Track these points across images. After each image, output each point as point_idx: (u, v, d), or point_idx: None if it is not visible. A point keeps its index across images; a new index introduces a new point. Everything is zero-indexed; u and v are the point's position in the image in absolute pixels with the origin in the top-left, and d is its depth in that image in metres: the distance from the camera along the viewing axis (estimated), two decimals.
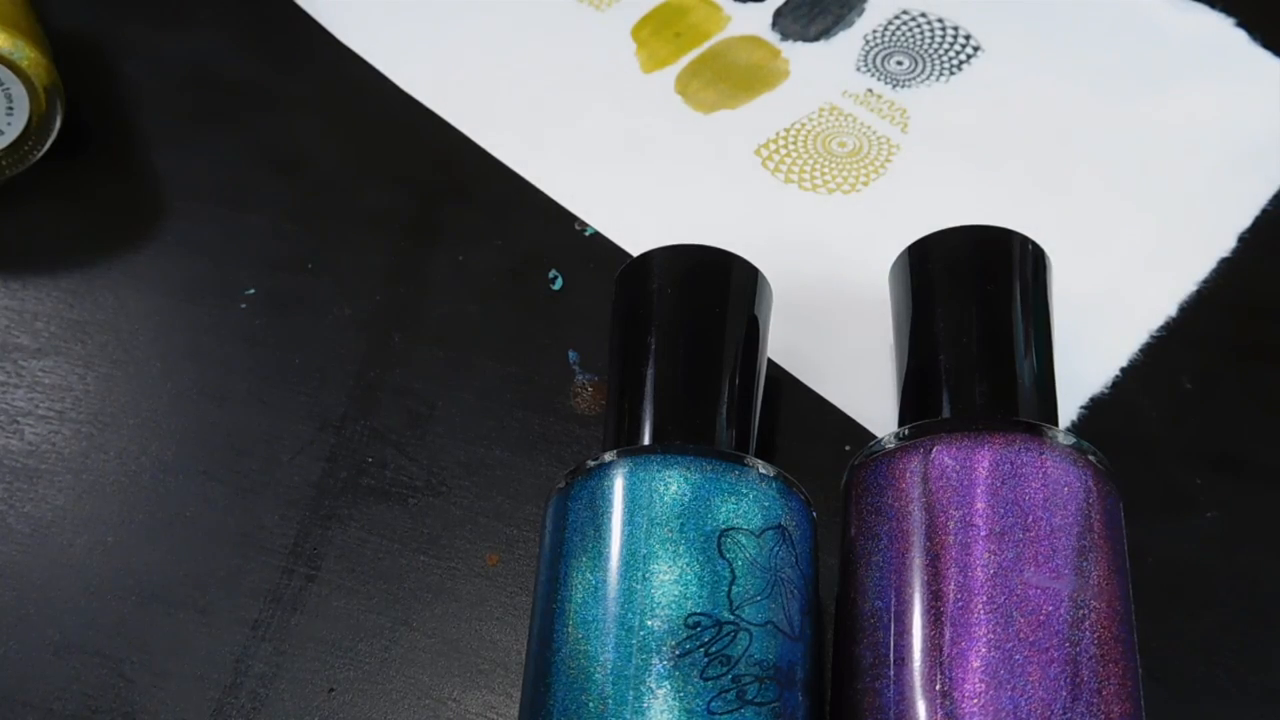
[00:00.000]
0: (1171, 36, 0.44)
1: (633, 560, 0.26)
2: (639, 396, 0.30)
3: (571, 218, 0.40)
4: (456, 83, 0.44)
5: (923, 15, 0.45)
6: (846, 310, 0.36)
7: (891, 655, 0.25)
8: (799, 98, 0.43)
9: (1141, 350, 0.36)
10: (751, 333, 0.31)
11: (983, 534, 0.26)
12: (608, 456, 0.28)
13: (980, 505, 0.26)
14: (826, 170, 0.41)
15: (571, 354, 0.37)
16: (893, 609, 0.26)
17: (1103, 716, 0.24)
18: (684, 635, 0.25)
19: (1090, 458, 0.27)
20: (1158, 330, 0.37)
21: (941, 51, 0.44)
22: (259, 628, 0.32)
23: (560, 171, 0.41)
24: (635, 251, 0.39)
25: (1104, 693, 0.24)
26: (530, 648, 0.27)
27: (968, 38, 0.44)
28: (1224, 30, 0.44)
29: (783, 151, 0.41)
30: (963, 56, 0.44)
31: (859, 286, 0.37)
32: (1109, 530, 0.27)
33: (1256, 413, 0.35)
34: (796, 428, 0.35)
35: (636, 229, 0.40)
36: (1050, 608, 0.25)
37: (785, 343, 0.36)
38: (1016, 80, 0.43)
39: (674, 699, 0.24)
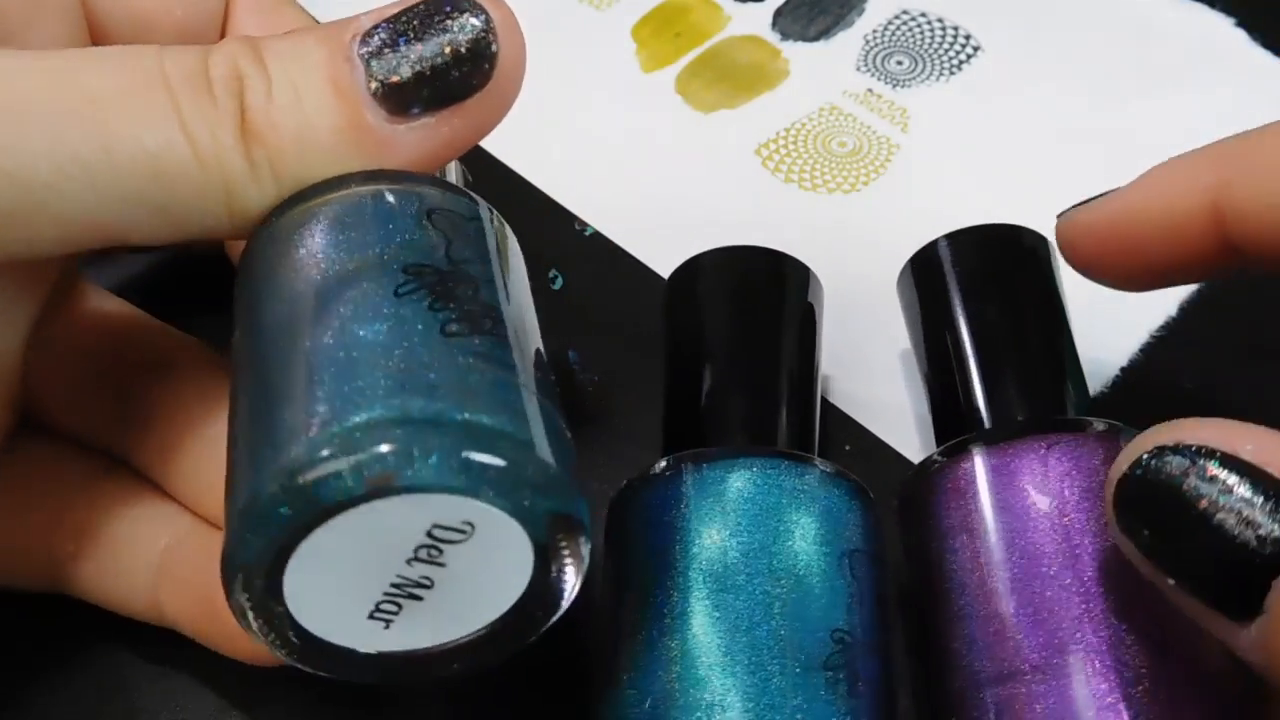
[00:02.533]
0: (1171, 36, 0.44)
1: (791, 571, 0.26)
2: (742, 396, 0.30)
3: (571, 218, 0.40)
4: None
5: (923, 15, 0.45)
6: (846, 310, 0.36)
7: (993, 673, 0.25)
8: (799, 98, 0.43)
9: (1141, 350, 0.36)
10: (811, 331, 0.31)
11: (1099, 531, 0.26)
12: (737, 480, 0.27)
13: (1056, 509, 0.26)
14: (826, 170, 0.41)
15: (571, 354, 0.37)
16: (982, 630, 0.26)
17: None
18: (830, 650, 0.25)
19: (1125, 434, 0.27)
20: (1158, 330, 0.37)
21: (941, 51, 0.44)
22: None
23: (560, 171, 0.41)
24: (635, 251, 0.39)
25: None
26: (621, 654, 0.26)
27: (968, 38, 0.44)
28: (1224, 30, 0.44)
29: (783, 151, 0.41)
30: (963, 56, 0.44)
31: (859, 286, 0.36)
32: None
33: (1257, 413, 0.35)
34: None
35: (636, 229, 0.40)
36: (1134, 602, 0.25)
37: None
38: (1016, 80, 0.43)
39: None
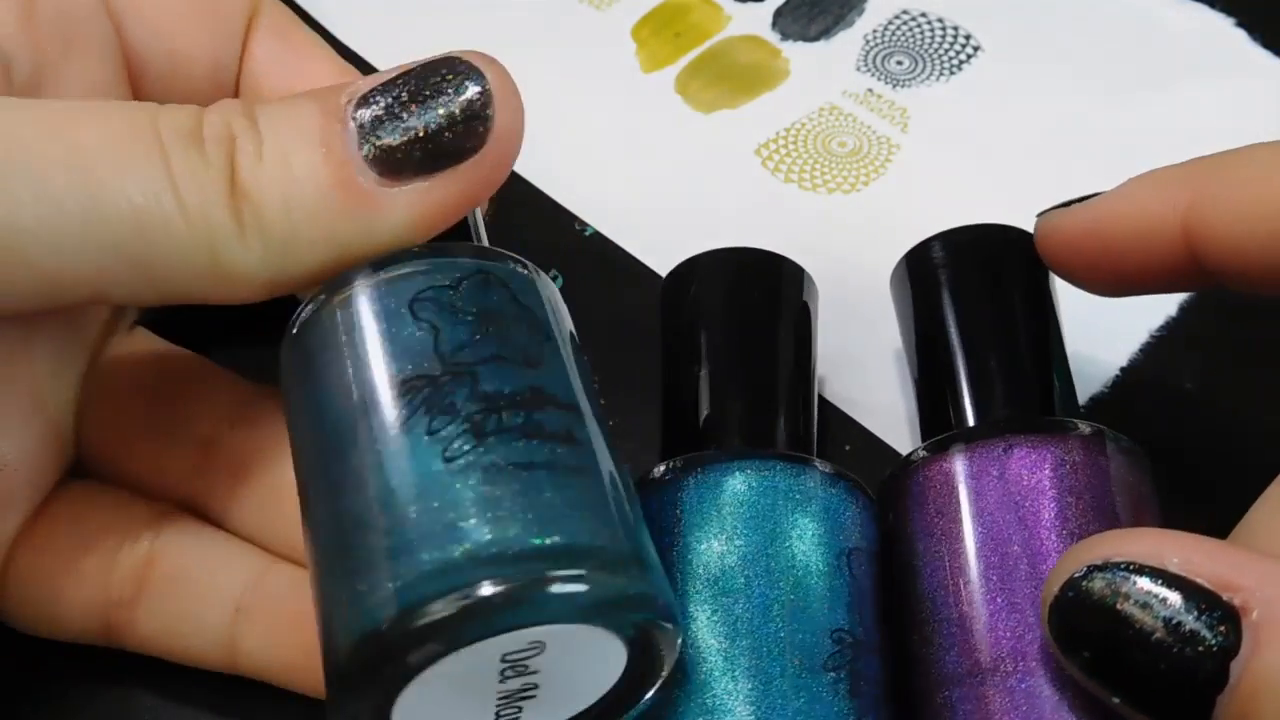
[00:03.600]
0: (1171, 36, 0.44)
1: (780, 574, 0.26)
2: (741, 399, 0.29)
3: (572, 218, 0.40)
4: None
5: (923, 15, 0.45)
6: (846, 310, 0.36)
7: (964, 672, 0.25)
8: (799, 97, 0.43)
9: (1141, 350, 0.36)
10: (806, 333, 0.31)
11: (1071, 533, 0.26)
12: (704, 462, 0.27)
13: (1033, 509, 0.26)
14: (826, 170, 0.41)
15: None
16: (957, 627, 0.26)
17: None
18: (830, 650, 0.25)
19: (1111, 439, 0.27)
20: (1158, 330, 0.37)
21: (941, 51, 0.44)
22: None
23: (560, 171, 0.41)
24: (635, 252, 0.39)
25: None
26: None
27: (968, 38, 0.44)
28: (1224, 30, 0.44)
29: (783, 151, 0.41)
30: (963, 56, 0.44)
31: (859, 286, 0.36)
32: (1153, 507, 0.27)
33: (1257, 414, 0.35)
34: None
35: (636, 229, 0.40)
36: None
37: None
38: (1016, 80, 0.43)
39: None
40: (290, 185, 0.24)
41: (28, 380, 0.28)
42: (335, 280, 0.24)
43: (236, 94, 0.31)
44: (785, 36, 0.45)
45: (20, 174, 0.23)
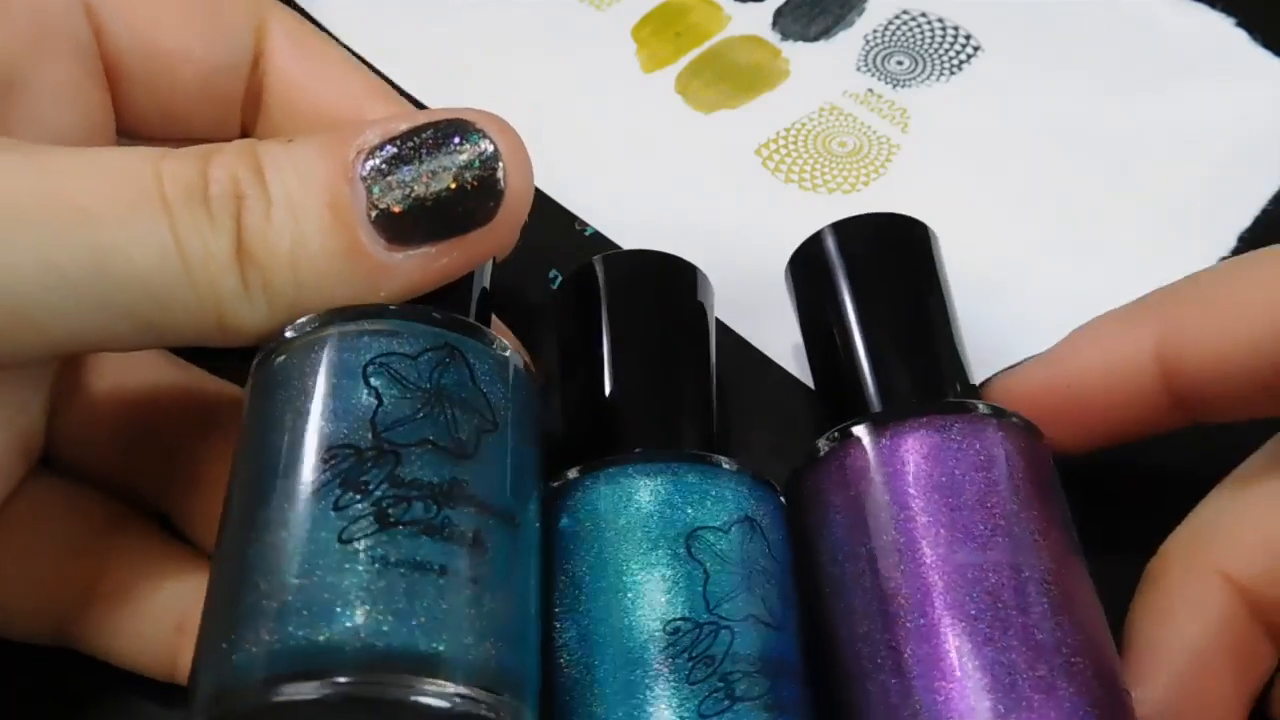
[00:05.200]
0: (1171, 36, 0.44)
1: (606, 574, 0.26)
2: (596, 405, 0.29)
3: (572, 218, 0.40)
4: (456, 82, 0.44)
5: (923, 15, 0.45)
6: None
7: (880, 657, 0.25)
8: (799, 98, 0.43)
9: None
10: (701, 330, 0.31)
11: (920, 522, 0.26)
12: (571, 473, 0.27)
13: (911, 494, 0.26)
14: (826, 170, 0.41)
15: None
16: (858, 611, 0.26)
17: (1069, 668, 0.24)
18: (665, 642, 0.25)
19: (1012, 420, 0.27)
20: None
21: (941, 51, 0.44)
22: None
23: (560, 171, 0.41)
24: None
25: (1066, 647, 0.24)
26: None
27: (968, 38, 0.44)
28: (1224, 30, 0.44)
29: (783, 151, 0.41)
30: (963, 56, 0.44)
31: None
32: (1038, 489, 0.26)
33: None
34: (796, 426, 0.35)
35: (636, 229, 0.40)
36: (995, 580, 0.25)
37: (785, 341, 0.36)
38: (1016, 80, 0.43)
39: (666, 707, 0.24)
40: (298, 250, 0.23)
41: None
42: (311, 320, 0.24)
43: (249, 101, 0.31)
44: (785, 36, 0.45)
45: (23, 236, 0.22)
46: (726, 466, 0.27)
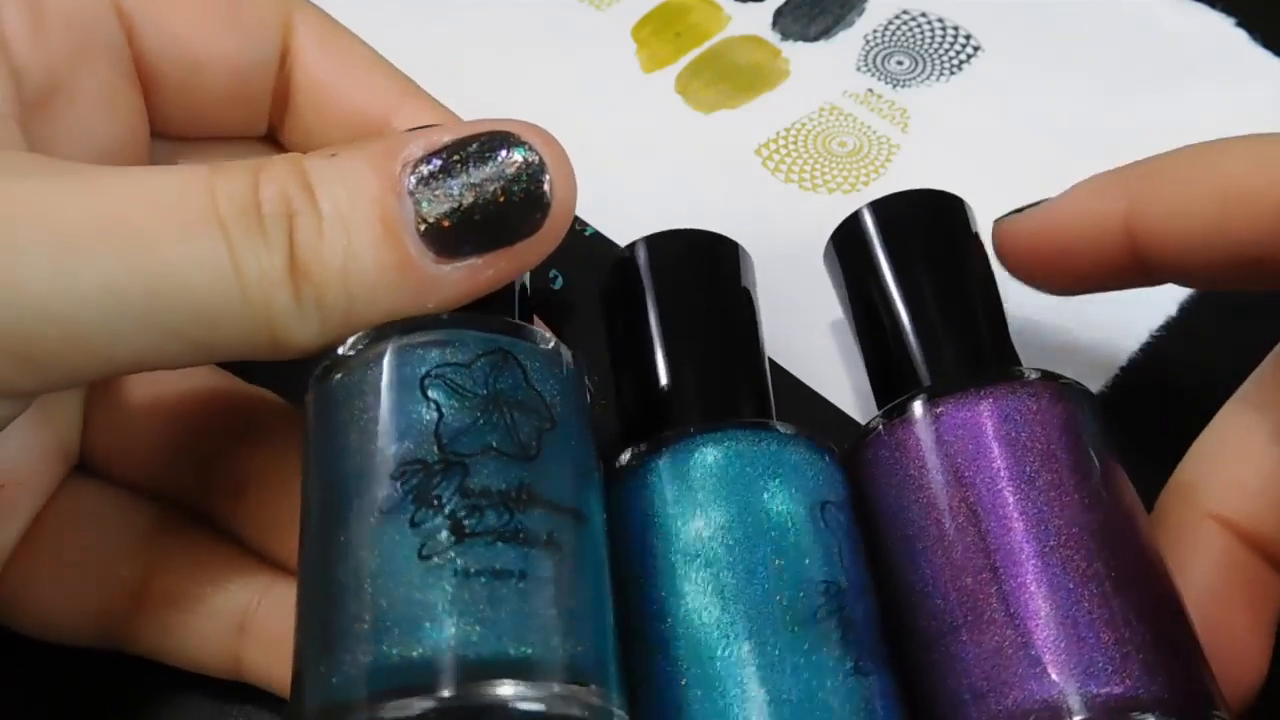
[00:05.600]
0: (1171, 36, 0.44)
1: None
2: (666, 380, 0.30)
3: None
4: (456, 82, 0.44)
5: (923, 15, 0.45)
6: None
7: (960, 620, 0.25)
8: (799, 98, 0.43)
9: (1141, 350, 0.36)
10: (749, 302, 0.32)
11: (1010, 483, 0.26)
12: (632, 452, 0.27)
13: (1000, 456, 0.26)
14: (826, 170, 0.41)
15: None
16: (945, 576, 0.26)
17: (1156, 618, 0.25)
18: (819, 601, 0.25)
19: (1061, 383, 0.28)
20: (1158, 330, 0.37)
21: (941, 51, 0.44)
22: None
23: None
24: None
25: (1150, 595, 0.25)
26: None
27: (968, 38, 0.44)
28: (1224, 30, 0.44)
29: (783, 151, 0.41)
30: (963, 56, 0.44)
31: None
32: (1107, 448, 0.27)
33: None
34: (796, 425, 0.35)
35: (637, 229, 0.39)
36: (1087, 538, 0.25)
37: (784, 341, 0.36)
38: (1016, 80, 0.43)
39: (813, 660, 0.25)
40: (350, 264, 0.24)
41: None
42: (363, 337, 0.24)
43: (277, 100, 0.31)
44: (785, 36, 0.45)
45: (85, 265, 0.22)
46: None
